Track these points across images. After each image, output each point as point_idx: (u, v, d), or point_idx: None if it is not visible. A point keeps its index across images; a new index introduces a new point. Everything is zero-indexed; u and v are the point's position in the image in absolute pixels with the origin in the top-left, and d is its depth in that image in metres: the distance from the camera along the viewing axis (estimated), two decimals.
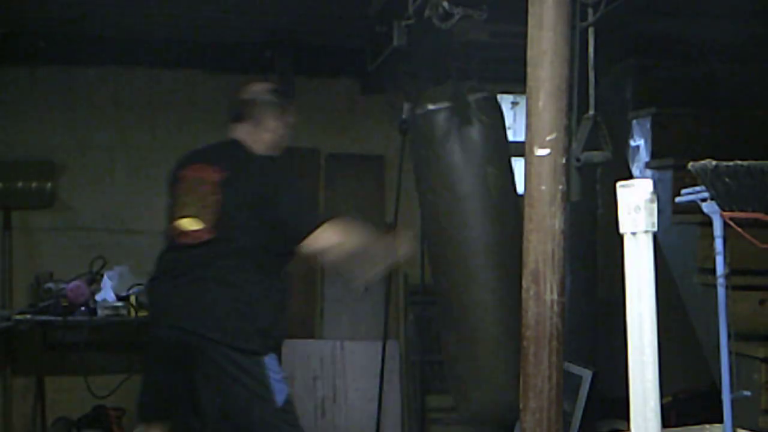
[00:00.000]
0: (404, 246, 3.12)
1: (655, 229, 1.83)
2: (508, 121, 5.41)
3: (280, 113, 3.16)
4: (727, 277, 2.34)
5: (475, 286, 3.25)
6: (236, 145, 3.10)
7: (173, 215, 3.02)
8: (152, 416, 3.06)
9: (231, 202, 2.94)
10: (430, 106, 3.23)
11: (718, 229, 2.33)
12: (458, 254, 3.26)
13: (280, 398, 2.91)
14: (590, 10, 2.42)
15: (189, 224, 2.95)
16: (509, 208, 3.32)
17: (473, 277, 3.25)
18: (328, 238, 2.91)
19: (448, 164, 3.24)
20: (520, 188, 3.58)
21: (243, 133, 3.12)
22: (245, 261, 2.93)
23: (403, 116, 3.61)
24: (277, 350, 3.06)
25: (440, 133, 3.22)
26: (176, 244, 2.99)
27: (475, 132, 3.24)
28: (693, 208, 2.41)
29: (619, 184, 1.87)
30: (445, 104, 3.22)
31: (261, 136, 3.12)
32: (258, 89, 3.20)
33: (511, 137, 5.36)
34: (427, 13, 2.85)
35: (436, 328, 3.71)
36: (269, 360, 2.93)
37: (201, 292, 2.90)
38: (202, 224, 2.93)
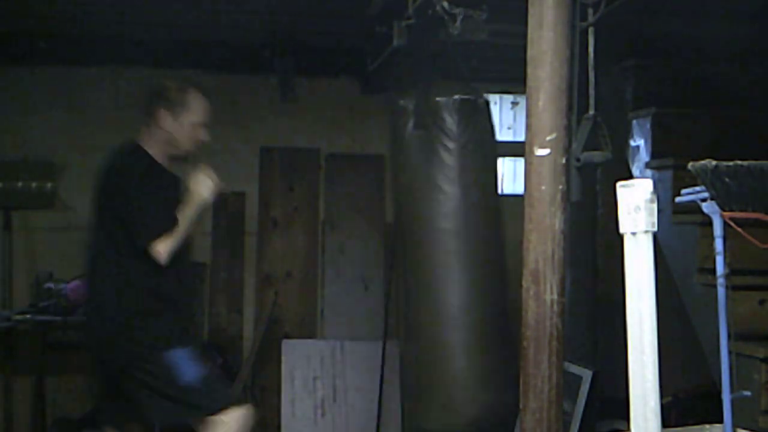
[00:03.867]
0: (202, 185, 3.04)
1: (655, 229, 1.83)
2: (508, 121, 5.44)
3: (176, 111, 3.04)
4: (727, 277, 2.34)
5: (444, 293, 3.23)
6: (128, 147, 3.06)
7: None
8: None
9: (97, 203, 3.04)
10: (437, 99, 3.21)
11: (718, 229, 2.33)
12: (431, 257, 3.25)
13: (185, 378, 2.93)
14: (590, 10, 2.42)
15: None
16: (488, 214, 3.29)
17: (444, 283, 3.23)
18: (165, 248, 2.89)
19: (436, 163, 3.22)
20: (505, 189, 3.60)
21: (142, 129, 3.06)
22: (104, 260, 2.99)
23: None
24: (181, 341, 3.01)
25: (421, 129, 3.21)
26: None
27: (462, 136, 3.22)
28: (693, 208, 2.41)
29: (619, 184, 1.87)
30: (453, 97, 3.20)
31: (156, 135, 3.04)
32: (158, 85, 3.11)
33: (511, 137, 5.41)
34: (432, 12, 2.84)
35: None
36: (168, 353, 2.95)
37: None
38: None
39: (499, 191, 3.50)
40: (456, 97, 3.23)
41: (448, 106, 3.21)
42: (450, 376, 3.23)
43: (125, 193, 2.92)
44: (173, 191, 3.06)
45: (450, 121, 3.21)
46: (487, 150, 3.34)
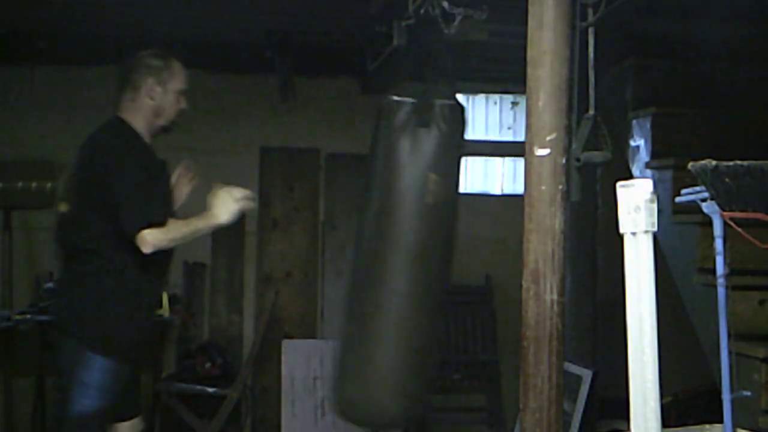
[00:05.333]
0: (225, 206, 2.82)
1: (655, 229, 1.83)
2: (508, 121, 5.44)
3: (162, 78, 2.89)
4: (727, 277, 2.34)
5: (391, 284, 3.19)
6: (110, 123, 2.88)
7: None
8: None
9: (76, 184, 2.84)
10: (395, 97, 3.18)
11: (718, 229, 2.33)
12: (381, 251, 3.20)
13: (76, 408, 2.73)
14: (590, 10, 2.42)
15: (62, 206, 2.91)
16: (443, 216, 3.26)
17: (391, 277, 3.19)
18: (155, 240, 2.68)
19: (394, 160, 3.19)
20: (462, 193, 3.54)
21: (124, 104, 2.88)
22: (88, 248, 2.78)
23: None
24: (122, 354, 2.79)
25: (395, 126, 3.17)
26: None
27: (429, 136, 3.18)
28: (693, 208, 2.41)
29: (619, 184, 1.87)
30: (410, 99, 3.16)
31: (140, 104, 2.86)
32: (141, 54, 2.94)
33: (511, 137, 5.41)
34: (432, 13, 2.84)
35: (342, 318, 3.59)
36: (102, 361, 2.73)
37: (60, 282, 2.95)
38: (67, 207, 2.86)
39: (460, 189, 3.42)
40: (447, 102, 3.20)
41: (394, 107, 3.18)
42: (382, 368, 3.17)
43: (111, 174, 2.71)
44: (163, 177, 2.93)
45: (397, 125, 3.18)
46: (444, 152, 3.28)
